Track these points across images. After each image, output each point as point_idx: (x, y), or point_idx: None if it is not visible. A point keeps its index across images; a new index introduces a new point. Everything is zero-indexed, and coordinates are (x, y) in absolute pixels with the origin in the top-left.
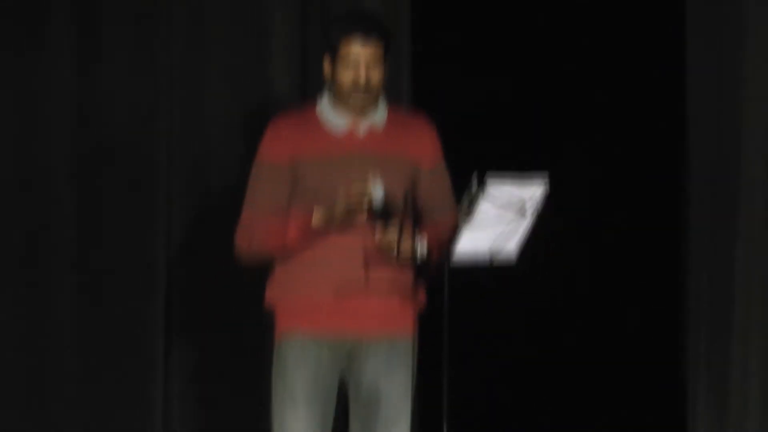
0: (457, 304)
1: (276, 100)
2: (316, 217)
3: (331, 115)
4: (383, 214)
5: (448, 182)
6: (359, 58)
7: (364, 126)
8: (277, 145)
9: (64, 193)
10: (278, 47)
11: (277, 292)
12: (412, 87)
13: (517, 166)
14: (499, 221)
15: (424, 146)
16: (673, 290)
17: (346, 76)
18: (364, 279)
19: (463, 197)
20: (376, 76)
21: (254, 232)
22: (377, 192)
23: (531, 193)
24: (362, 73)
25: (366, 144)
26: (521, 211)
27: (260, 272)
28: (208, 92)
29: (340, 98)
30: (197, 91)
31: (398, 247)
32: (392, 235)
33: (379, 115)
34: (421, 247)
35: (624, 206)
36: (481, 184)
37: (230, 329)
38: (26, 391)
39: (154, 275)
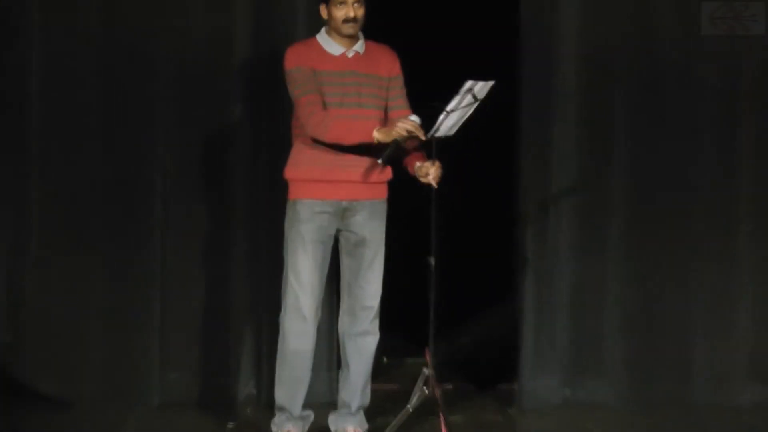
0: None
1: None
2: (378, 133)
3: (328, 44)
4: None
5: (404, 90)
6: (347, 0)
7: (351, 51)
8: (299, 56)
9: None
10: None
11: (292, 167)
12: None
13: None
14: (462, 110)
15: (388, 64)
16: (508, 172)
17: (340, 13)
18: (353, 158)
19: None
20: (360, 12)
21: (318, 115)
22: (415, 119)
23: (486, 87)
24: (351, 10)
25: (352, 62)
26: (475, 96)
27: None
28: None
29: (336, 31)
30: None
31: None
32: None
33: (359, 45)
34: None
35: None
36: (472, 84)
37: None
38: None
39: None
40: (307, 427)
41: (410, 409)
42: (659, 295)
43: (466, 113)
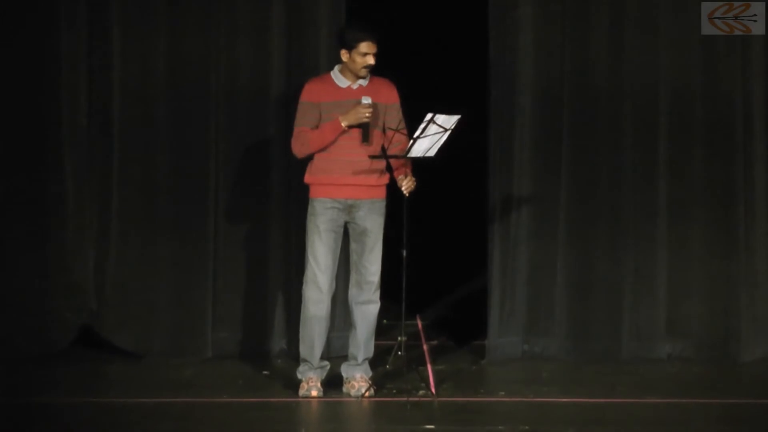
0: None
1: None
2: (342, 119)
3: (338, 79)
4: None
5: (401, 115)
6: (369, 52)
7: (356, 84)
8: (311, 93)
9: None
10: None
11: (310, 175)
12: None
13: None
14: (433, 136)
15: (386, 93)
16: (482, 150)
17: (361, 61)
18: (356, 167)
19: (422, 124)
20: (374, 60)
21: (302, 138)
22: (367, 100)
23: (452, 119)
24: (370, 59)
25: (356, 93)
26: (445, 128)
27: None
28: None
29: (353, 72)
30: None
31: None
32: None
33: (366, 78)
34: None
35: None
36: (432, 115)
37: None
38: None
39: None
40: (324, 374)
41: (388, 367)
42: (596, 272)
43: (438, 139)
